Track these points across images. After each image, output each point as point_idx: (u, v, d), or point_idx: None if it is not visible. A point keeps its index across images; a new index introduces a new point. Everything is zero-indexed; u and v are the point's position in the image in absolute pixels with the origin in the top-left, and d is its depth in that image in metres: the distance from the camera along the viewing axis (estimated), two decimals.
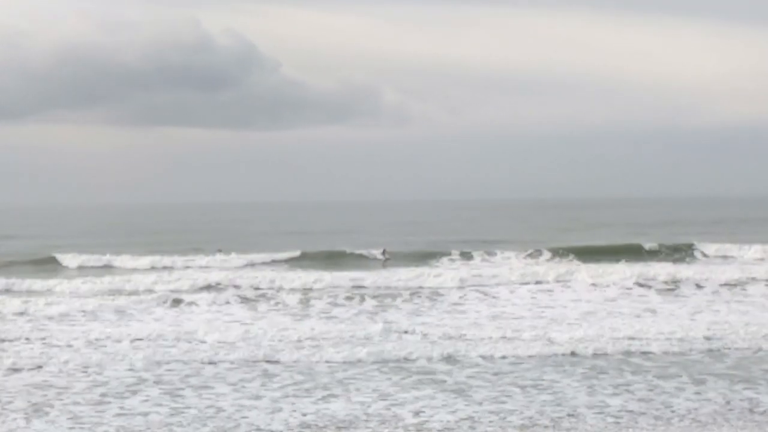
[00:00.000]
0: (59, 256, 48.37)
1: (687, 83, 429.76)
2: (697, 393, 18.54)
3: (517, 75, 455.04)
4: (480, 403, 17.88)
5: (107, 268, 45.67)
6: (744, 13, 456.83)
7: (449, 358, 22.31)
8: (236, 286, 36.44)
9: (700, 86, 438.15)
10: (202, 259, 47.17)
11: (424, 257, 48.60)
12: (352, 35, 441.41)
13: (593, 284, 35.54)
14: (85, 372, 21.14)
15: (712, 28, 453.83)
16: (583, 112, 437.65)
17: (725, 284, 35.45)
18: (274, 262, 47.63)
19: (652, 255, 48.86)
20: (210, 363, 22.11)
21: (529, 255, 48.03)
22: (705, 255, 48.90)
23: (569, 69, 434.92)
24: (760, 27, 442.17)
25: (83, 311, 30.05)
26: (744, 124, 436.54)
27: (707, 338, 24.64)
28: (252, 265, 46.10)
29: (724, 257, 48.00)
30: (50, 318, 29.14)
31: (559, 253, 48.53)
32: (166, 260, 46.62)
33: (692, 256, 48.92)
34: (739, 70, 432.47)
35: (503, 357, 22.46)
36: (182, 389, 19.37)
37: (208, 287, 36.55)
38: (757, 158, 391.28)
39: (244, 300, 32.62)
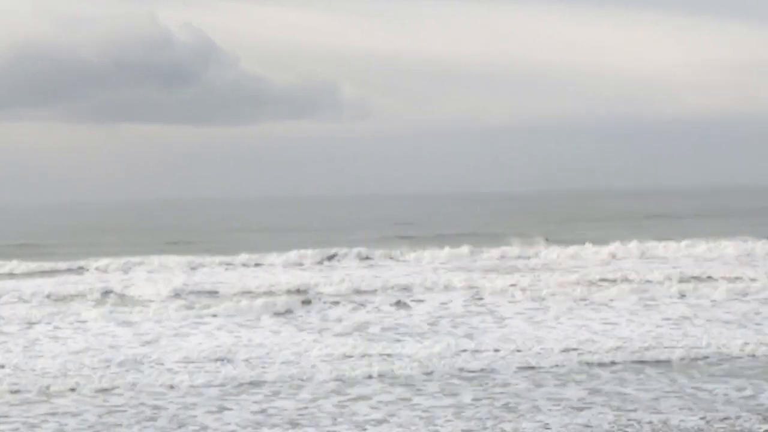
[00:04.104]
0: None
1: (650, 75, 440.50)
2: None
3: (478, 68, 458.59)
4: (433, 395, 17.46)
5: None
6: (708, 6, 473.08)
7: None
8: None
9: (663, 78, 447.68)
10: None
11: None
12: (310, 30, 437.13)
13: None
14: None
15: (676, 21, 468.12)
16: (548, 105, 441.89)
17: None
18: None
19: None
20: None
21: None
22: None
23: (532, 62, 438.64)
24: (723, 19, 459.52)
25: None
26: (708, 115, 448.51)
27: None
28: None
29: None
30: None
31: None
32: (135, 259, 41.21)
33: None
34: (702, 62, 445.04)
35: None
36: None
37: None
38: (721, 149, 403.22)
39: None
